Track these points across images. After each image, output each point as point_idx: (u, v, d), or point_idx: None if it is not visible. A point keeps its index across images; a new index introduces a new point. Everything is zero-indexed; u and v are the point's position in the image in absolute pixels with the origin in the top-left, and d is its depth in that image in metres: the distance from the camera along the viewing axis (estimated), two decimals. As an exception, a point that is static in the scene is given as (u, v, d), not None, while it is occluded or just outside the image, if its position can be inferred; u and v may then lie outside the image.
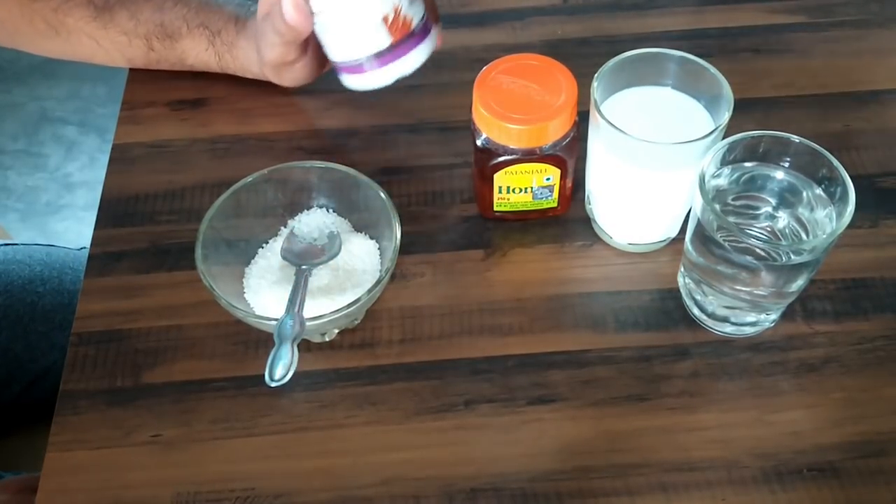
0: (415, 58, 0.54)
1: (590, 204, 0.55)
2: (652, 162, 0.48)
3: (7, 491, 0.66)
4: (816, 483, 0.46)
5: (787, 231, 0.48)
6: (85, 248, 0.58)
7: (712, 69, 0.49)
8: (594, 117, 0.49)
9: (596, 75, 0.49)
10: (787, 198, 0.48)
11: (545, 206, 0.55)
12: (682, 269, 0.52)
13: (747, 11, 0.70)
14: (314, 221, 0.54)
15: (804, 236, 0.47)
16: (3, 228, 1.30)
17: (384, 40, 0.52)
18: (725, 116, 0.47)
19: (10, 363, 0.72)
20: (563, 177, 0.53)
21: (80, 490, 0.47)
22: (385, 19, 0.52)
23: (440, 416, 0.49)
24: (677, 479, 0.47)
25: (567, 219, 0.57)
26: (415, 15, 0.53)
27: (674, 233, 0.55)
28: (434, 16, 0.56)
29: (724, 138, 0.46)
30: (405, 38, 0.53)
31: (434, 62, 0.56)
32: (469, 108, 0.51)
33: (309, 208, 0.55)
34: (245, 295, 0.51)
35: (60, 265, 0.77)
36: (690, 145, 0.46)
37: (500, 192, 0.54)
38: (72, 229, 1.54)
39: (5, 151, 1.66)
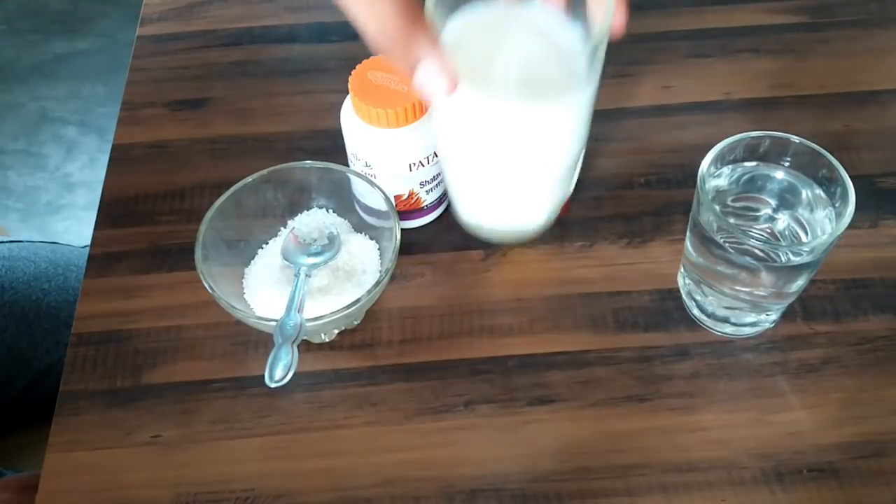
0: (412, 223, 0.57)
1: (455, 204, 0.47)
2: (513, 111, 0.37)
3: (8, 490, 0.66)
4: (816, 483, 0.46)
5: (786, 232, 0.48)
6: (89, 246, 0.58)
7: None
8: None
9: None
10: (787, 198, 0.48)
11: (545, 206, 0.55)
12: (682, 270, 0.52)
13: (747, 11, 0.70)
14: (314, 222, 0.54)
15: (804, 237, 0.47)
16: (3, 228, 1.30)
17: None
18: (605, 28, 0.35)
19: (14, 360, 0.72)
20: (562, 177, 0.52)
21: (80, 491, 0.47)
22: (397, 196, 0.54)
23: (440, 417, 0.49)
24: (677, 480, 0.47)
25: (567, 219, 0.57)
26: (429, 197, 0.55)
27: (555, 208, 0.46)
28: None
29: (723, 142, 0.46)
30: (410, 211, 0.55)
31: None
32: (469, 109, 0.51)
33: (309, 209, 0.55)
34: (245, 296, 0.51)
35: (65, 262, 0.77)
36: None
37: (499, 192, 0.53)
38: (72, 229, 1.54)
39: (5, 151, 1.66)
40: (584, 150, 0.43)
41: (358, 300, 0.47)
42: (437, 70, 0.33)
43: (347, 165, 0.54)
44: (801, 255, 0.45)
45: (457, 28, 0.38)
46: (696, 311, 0.52)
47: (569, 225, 0.57)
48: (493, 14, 0.39)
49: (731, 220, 0.48)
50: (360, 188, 0.53)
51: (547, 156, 0.40)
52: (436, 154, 0.52)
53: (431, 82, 0.34)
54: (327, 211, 0.55)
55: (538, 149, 0.40)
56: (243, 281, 0.52)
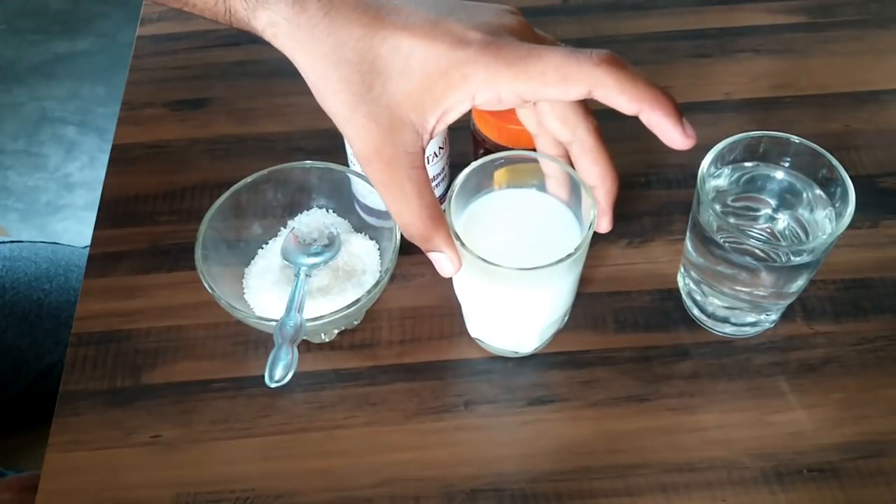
0: None
1: (464, 315, 0.52)
2: (509, 281, 0.44)
3: (9, 490, 0.66)
4: (816, 483, 0.46)
5: (786, 232, 0.48)
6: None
7: (574, 175, 0.44)
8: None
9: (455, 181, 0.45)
10: (787, 198, 0.48)
11: (545, 206, 0.55)
12: (681, 270, 0.52)
13: (747, 11, 0.70)
14: (314, 222, 0.54)
15: (804, 237, 0.47)
16: (3, 228, 1.30)
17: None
18: (587, 233, 0.42)
19: (15, 360, 0.72)
20: (562, 177, 0.53)
21: (80, 491, 0.47)
22: None
23: (440, 417, 0.49)
24: (677, 480, 0.47)
25: (567, 219, 0.57)
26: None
27: (547, 335, 0.51)
28: None
29: (723, 142, 0.46)
30: None
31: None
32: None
33: (309, 209, 0.55)
34: (245, 296, 0.51)
35: (66, 263, 0.77)
36: (546, 267, 0.42)
37: (499, 192, 0.54)
38: (72, 229, 1.54)
39: (5, 151, 1.66)
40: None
41: (358, 300, 0.47)
42: (445, 260, 0.43)
43: (347, 165, 0.54)
44: (801, 255, 0.45)
45: (472, 211, 0.47)
46: (696, 311, 0.52)
47: (569, 225, 0.57)
48: (501, 201, 0.47)
49: (731, 220, 0.48)
50: (360, 188, 0.53)
51: (539, 316, 0.47)
52: (436, 154, 0.52)
53: (440, 266, 0.43)
54: (327, 211, 0.55)
55: (531, 312, 0.47)
56: (243, 281, 0.52)
